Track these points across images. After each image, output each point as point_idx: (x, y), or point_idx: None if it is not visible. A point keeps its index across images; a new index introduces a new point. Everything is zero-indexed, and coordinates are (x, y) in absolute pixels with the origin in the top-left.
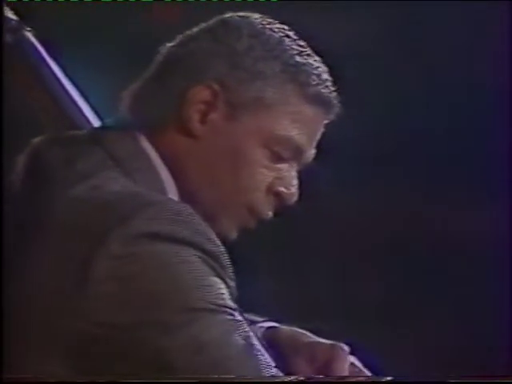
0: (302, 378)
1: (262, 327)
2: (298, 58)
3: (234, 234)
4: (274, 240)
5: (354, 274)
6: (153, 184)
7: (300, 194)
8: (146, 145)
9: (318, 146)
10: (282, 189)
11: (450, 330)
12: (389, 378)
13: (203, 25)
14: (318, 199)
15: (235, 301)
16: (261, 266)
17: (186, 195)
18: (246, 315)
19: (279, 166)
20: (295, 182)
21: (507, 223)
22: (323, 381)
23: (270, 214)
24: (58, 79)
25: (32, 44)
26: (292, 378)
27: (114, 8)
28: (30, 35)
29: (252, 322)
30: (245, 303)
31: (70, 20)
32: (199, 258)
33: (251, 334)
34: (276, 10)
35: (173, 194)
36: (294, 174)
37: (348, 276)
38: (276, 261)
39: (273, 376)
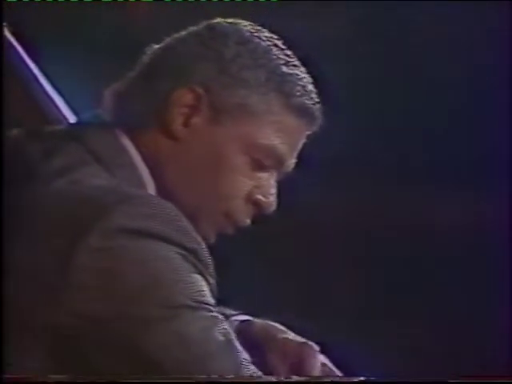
0: (301, 379)
1: (235, 321)
2: (284, 68)
3: (211, 239)
4: (250, 234)
5: (332, 271)
6: (132, 180)
7: (278, 203)
8: (126, 142)
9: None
10: (261, 197)
11: (450, 330)
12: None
13: (191, 28)
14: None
15: (215, 297)
16: (235, 260)
17: (164, 197)
18: (220, 309)
19: (259, 174)
20: (274, 190)
21: (507, 222)
22: (317, 381)
23: (248, 221)
24: (31, 72)
25: (6, 38)
26: (291, 378)
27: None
28: (4, 29)
29: (226, 316)
30: (218, 297)
31: (45, 15)
32: (179, 254)
33: (230, 330)
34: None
35: (152, 192)
36: (273, 182)
37: (325, 273)
38: (251, 255)
39: (272, 377)
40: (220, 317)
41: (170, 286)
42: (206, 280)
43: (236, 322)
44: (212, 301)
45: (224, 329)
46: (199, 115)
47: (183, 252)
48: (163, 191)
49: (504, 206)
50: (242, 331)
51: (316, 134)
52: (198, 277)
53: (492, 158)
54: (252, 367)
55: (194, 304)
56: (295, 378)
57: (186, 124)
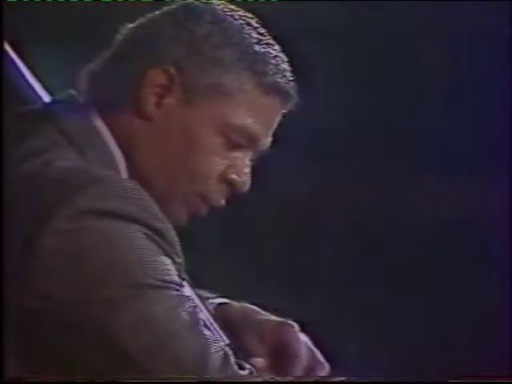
0: (301, 379)
1: (212, 303)
2: (256, 47)
3: (184, 221)
4: (224, 216)
5: (312, 254)
6: (105, 161)
7: (252, 182)
8: (99, 123)
9: (278, 135)
10: (235, 176)
11: (450, 330)
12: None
13: (165, 8)
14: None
15: (187, 277)
16: (212, 242)
17: (137, 178)
18: (198, 291)
19: (233, 153)
20: (248, 170)
21: (507, 221)
22: (317, 381)
23: (222, 201)
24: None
25: None
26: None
27: None
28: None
29: (203, 298)
30: (195, 280)
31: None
32: (145, 234)
33: (197, 310)
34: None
35: (124, 174)
36: (247, 162)
37: (301, 254)
38: (227, 237)
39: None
40: (187, 296)
41: (134, 265)
42: (172, 259)
43: (213, 305)
44: (178, 280)
45: (189, 308)
46: (172, 95)
47: (148, 232)
48: (136, 172)
49: (505, 202)
50: (220, 314)
51: (313, 117)
52: (164, 256)
53: (493, 152)
54: (221, 347)
55: (159, 283)
56: (295, 378)
57: (158, 104)
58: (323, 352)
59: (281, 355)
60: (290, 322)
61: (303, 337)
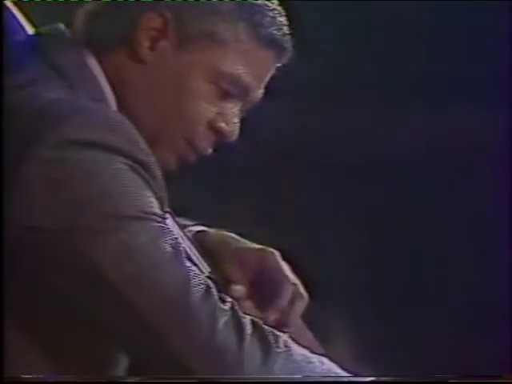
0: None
1: (191, 231)
2: None
3: (172, 166)
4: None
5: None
6: (94, 95)
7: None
8: (91, 61)
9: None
10: (223, 125)
11: (450, 330)
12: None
13: None
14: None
15: (167, 208)
16: (191, 172)
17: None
18: (177, 219)
19: (223, 102)
20: (237, 119)
21: (508, 220)
22: (317, 381)
23: (210, 149)
24: None
25: None
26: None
27: None
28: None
29: (181, 226)
30: (175, 208)
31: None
32: (128, 166)
33: (179, 241)
34: None
35: (113, 108)
36: (236, 111)
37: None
38: (206, 165)
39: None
40: (169, 228)
41: (117, 197)
42: (154, 192)
43: (191, 233)
44: (160, 212)
45: (171, 239)
46: (166, 40)
47: (132, 163)
48: (125, 113)
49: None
50: (198, 241)
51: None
52: (147, 189)
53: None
54: (200, 278)
55: (142, 215)
56: (295, 378)
57: (152, 47)
58: (303, 281)
59: (262, 283)
60: (271, 249)
61: (285, 265)
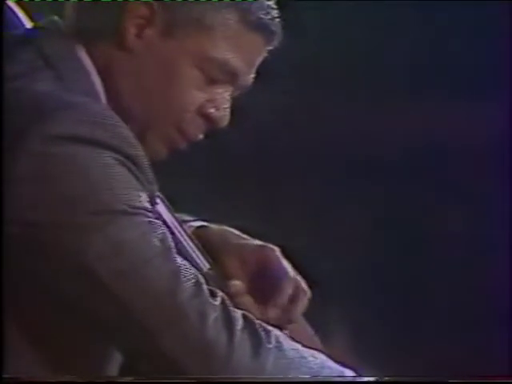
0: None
1: (191, 226)
2: None
3: (162, 154)
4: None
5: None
6: (84, 87)
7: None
8: (80, 52)
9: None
10: (213, 111)
11: (450, 330)
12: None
13: None
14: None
15: (166, 202)
16: (190, 167)
17: (115, 109)
18: (177, 215)
19: (212, 88)
20: (227, 105)
21: (508, 221)
22: (317, 381)
23: (200, 136)
24: None
25: None
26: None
27: None
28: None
29: (181, 222)
30: (174, 203)
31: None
32: (117, 160)
33: (168, 235)
34: None
35: (103, 101)
36: (226, 97)
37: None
38: (205, 161)
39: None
40: (158, 222)
41: (107, 192)
42: (144, 186)
43: (192, 228)
44: (149, 206)
45: (161, 234)
46: (153, 27)
47: (121, 158)
48: (114, 103)
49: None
50: (198, 237)
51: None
52: (135, 183)
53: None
54: (190, 273)
55: (131, 210)
56: (295, 379)
57: (139, 35)
58: (304, 277)
59: (263, 279)
60: (271, 246)
61: (285, 262)
